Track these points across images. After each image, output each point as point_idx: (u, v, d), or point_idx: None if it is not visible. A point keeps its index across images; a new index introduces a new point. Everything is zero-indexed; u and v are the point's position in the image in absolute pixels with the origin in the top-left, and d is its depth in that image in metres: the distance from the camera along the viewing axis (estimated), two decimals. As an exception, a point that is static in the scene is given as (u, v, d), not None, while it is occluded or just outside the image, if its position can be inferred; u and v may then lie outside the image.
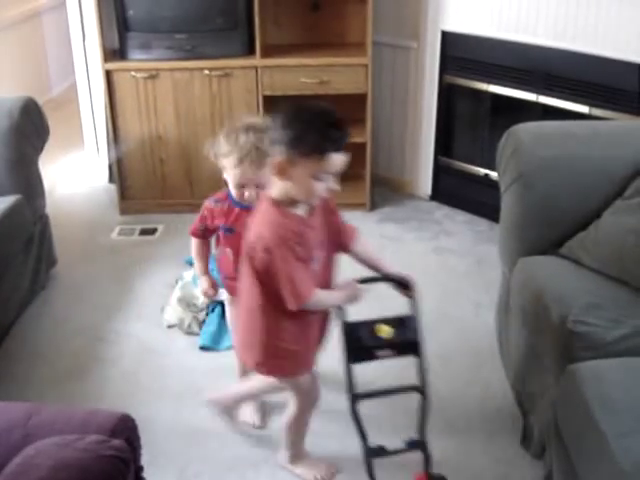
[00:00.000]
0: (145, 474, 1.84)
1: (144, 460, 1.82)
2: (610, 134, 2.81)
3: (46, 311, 3.46)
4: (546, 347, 2.36)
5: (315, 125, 1.96)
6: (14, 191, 3.31)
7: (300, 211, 2.10)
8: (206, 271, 2.64)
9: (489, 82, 3.99)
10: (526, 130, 2.79)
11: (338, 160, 1.99)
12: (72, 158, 5.22)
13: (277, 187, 2.05)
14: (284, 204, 2.06)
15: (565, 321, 2.22)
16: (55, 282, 3.69)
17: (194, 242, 2.61)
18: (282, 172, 2.00)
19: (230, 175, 2.39)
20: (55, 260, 3.72)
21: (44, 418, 1.75)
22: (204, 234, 2.57)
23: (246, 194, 2.38)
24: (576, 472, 2.01)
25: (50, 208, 3.70)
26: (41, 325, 3.34)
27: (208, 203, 2.51)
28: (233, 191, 2.42)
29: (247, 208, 2.38)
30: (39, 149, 3.55)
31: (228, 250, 2.50)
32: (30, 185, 3.44)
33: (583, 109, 3.56)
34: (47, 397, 2.84)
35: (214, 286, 2.64)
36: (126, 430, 1.72)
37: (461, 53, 4.08)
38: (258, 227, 2.07)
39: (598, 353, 2.15)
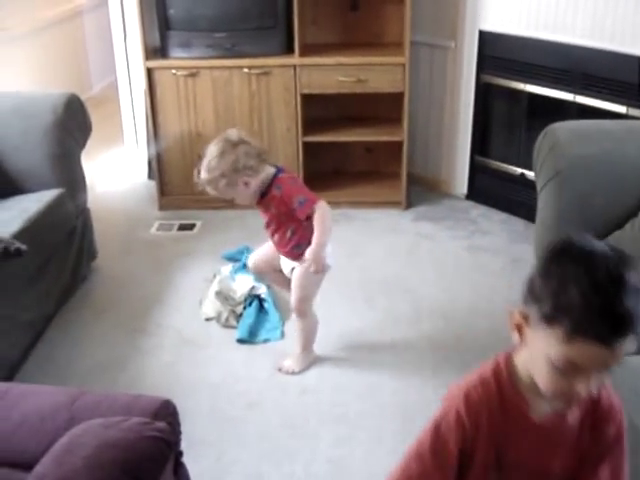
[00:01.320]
0: (183, 459, 1.89)
1: (182, 446, 1.87)
2: (647, 133, 2.82)
3: (87, 302, 3.53)
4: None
5: (578, 285, 1.22)
6: (57, 185, 3.38)
7: (542, 404, 1.41)
8: None
9: (526, 82, 3.99)
10: (563, 128, 2.80)
11: (595, 354, 1.23)
12: (112, 154, 5.31)
13: (518, 347, 1.43)
14: (517, 376, 1.43)
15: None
16: (96, 274, 3.76)
17: None
18: (517, 329, 1.38)
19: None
20: (96, 253, 3.79)
21: (88, 402, 1.80)
22: None
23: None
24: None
25: (91, 203, 3.77)
26: (82, 315, 3.41)
27: None
28: None
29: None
30: (82, 144, 3.62)
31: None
32: (73, 179, 3.52)
33: (620, 109, 3.55)
34: (88, 386, 2.88)
35: None
36: (168, 415, 1.77)
37: (498, 53, 4.09)
38: (461, 382, 1.48)
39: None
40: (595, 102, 3.66)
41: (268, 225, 2.87)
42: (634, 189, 2.63)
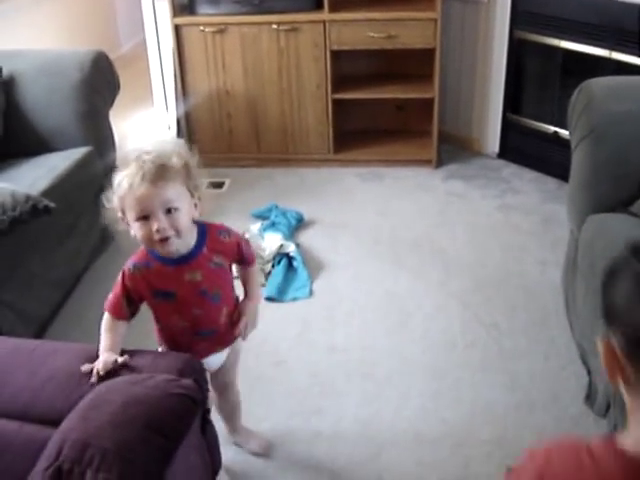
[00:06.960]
0: (211, 418, 1.89)
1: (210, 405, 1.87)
2: (686, 89, 2.73)
3: (116, 260, 3.48)
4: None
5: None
6: (86, 143, 3.37)
7: None
8: (111, 347, 1.85)
9: (561, 38, 3.88)
10: (599, 84, 2.72)
11: None
12: (141, 114, 5.29)
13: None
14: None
15: (634, 278, 2.18)
16: (125, 233, 3.74)
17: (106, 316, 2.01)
18: (608, 367, 1.01)
19: (129, 210, 1.89)
20: (125, 212, 3.78)
21: (115, 359, 1.79)
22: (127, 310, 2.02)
23: (154, 227, 1.84)
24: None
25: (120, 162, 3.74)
26: (111, 274, 3.34)
27: (127, 269, 2.02)
28: (139, 235, 1.90)
29: (178, 261, 1.95)
30: (110, 102, 3.60)
31: (176, 317, 1.99)
32: (101, 138, 3.50)
33: (658, 65, 3.46)
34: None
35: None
36: (194, 372, 1.76)
37: (532, 7, 3.99)
38: None
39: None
40: (631, 59, 3.56)
41: (195, 298, 1.98)
42: (671, 147, 2.56)
